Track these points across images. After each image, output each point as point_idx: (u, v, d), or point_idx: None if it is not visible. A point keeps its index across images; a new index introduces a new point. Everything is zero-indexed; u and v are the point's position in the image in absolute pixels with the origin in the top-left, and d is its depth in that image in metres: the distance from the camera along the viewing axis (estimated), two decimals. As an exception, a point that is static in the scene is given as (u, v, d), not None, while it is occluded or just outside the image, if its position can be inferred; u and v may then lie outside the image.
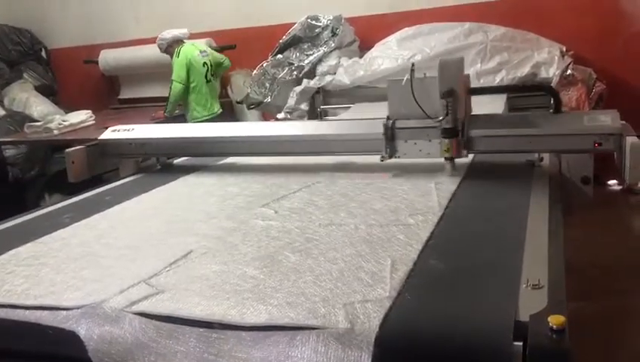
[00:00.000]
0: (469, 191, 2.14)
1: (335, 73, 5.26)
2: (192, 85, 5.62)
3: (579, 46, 5.08)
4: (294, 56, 5.53)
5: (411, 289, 1.32)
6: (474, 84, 2.49)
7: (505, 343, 1.07)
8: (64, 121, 5.86)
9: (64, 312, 1.33)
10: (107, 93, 7.46)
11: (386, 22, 5.72)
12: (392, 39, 5.28)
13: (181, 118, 5.70)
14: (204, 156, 2.94)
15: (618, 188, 5.06)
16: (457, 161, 2.31)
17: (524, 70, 4.67)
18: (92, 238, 1.87)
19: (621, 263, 3.65)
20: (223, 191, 2.35)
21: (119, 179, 2.81)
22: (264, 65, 5.52)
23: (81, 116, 6.01)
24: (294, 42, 5.59)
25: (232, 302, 1.28)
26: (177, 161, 3.05)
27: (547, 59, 4.73)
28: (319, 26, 5.59)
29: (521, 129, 2.29)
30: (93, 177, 2.82)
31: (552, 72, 4.62)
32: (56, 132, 5.70)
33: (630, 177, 1.98)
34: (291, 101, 5.25)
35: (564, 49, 4.93)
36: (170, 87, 5.61)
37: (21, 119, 6.33)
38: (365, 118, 2.74)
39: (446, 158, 2.28)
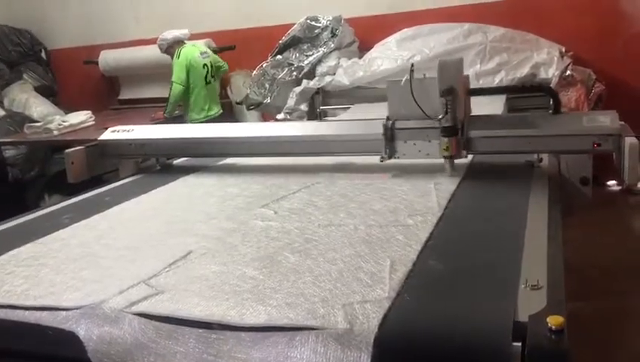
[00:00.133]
0: (468, 191, 2.14)
1: (334, 74, 5.26)
2: (191, 87, 5.62)
3: (578, 47, 5.08)
4: (294, 56, 5.53)
5: (410, 290, 1.32)
6: (473, 85, 2.49)
7: (504, 343, 1.08)
8: (64, 121, 5.86)
9: (64, 313, 1.33)
10: (107, 93, 7.46)
11: (385, 22, 5.72)
12: (391, 40, 5.28)
13: (181, 119, 5.70)
14: (203, 157, 2.95)
15: (617, 188, 5.06)
16: (456, 161, 2.31)
17: (524, 71, 4.67)
18: (92, 239, 1.87)
19: (620, 264, 3.65)
20: (222, 192, 2.35)
21: (119, 180, 2.81)
22: (264, 65, 5.52)
23: (80, 117, 6.02)
24: (294, 43, 5.59)
25: (232, 303, 1.28)
26: (177, 161, 3.05)
27: (546, 60, 4.73)
28: (319, 27, 5.59)
29: (520, 130, 2.29)
30: (93, 178, 2.82)
31: (551, 73, 4.62)
32: (55, 132, 5.70)
33: (629, 178, 1.99)
34: (291, 102, 5.25)
35: (564, 50, 4.93)
36: (170, 88, 5.61)
37: (21, 120, 6.32)
38: (365, 119, 2.75)
39: (445, 157, 2.28)
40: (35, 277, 1.56)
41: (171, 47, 5.67)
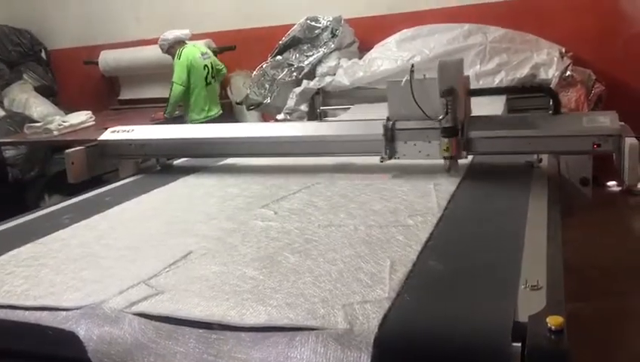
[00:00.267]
0: (468, 192, 2.15)
1: (335, 74, 5.27)
2: (192, 87, 5.62)
3: (578, 47, 5.08)
4: (294, 57, 5.53)
5: (410, 290, 1.32)
6: (473, 85, 2.49)
7: (504, 344, 1.08)
8: (64, 121, 5.86)
9: (64, 313, 1.33)
10: (107, 93, 7.46)
11: (385, 23, 5.73)
12: (391, 40, 5.28)
13: (181, 120, 5.70)
14: (203, 157, 2.95)
15: (617, 189, 5.06)
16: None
17: (524, 71, 4.67)
18: (92, 239, 1.88)
19: (620, 264, 3.65)
20: (222, 192, 2.35)
21: (119, 180, 2.81)
22: (264, 66, 5.52)
23: (81, 117, 6.02)
24: (294, 43, 5.60)
25: (232, 303, 1.28)
26: (177, 161, 3.05)
27: (546, 61, 4.73)
28: (319, 27, 5.59)
29: (520, 130, 2.29)
30: (93, 178, 2.82)
31: (551, 73, 4.62)
32: (56, 133, 5.70)
33: (629, 178, 1.99)
34: (291, 102, 5.25)
35: (564, 50, 4.93)
36: (171, 89, 5.61)
37: (21, 120, 6.33)
38: (365, 119, 2.75)
39: (445, 158, 2.28)
40: (35, 277, 1.56)
41: (172, 48, 5.68)
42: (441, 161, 2.29)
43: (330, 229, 1.78)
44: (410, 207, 1.95)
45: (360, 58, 5.41)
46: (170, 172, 2.86)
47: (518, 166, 2.38)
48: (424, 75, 2.30)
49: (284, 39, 5.58)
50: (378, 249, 1.58)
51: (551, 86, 4.33)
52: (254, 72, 5.57)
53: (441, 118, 2.21)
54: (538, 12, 5.45)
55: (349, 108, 4.78)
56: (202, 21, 6.52)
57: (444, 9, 5.68)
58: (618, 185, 5.03)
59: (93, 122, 6.06)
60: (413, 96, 2.26)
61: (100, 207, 2.26)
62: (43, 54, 7.50)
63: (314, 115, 5.25)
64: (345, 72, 5.19)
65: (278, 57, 5.55)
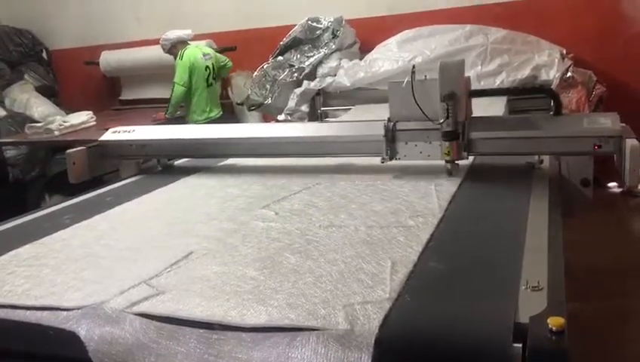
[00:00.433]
0: (469, 192, 2.15)
1: (335, 75, 5.27)
2: (193, 88, 5.62)
3: (579, 48, 5.08)
4: (295, 57, 5.53)
5: (411, 291, 1.32)
6: (474, 86, 2.49)
7: (505, 345, 1.08)
8: (65, 122, 5.87)
9: (65, 313, 1.33)
10: (108, 94, 7.46)
11: (386, 24, 5.73)
12: (392, 41, 5.29)
13: (182, 120, 5.71)
14: (204, 157, 2.95)
15: (618, 190, 5.06)
16: (457, 162, 2.31)
17: (525, 72, 4.67)
18: (92, 239, 1.88)
19: (620, 265, 3.65)
20: (223, 193, 2.35)
21: (120, 180, 2.81)
22: (265, 66, 5.52)
23: (81, 117, 6.02)
24: (295, 44, 5.60)
25: (233, 303, 1.28)
26: (178, 162, 3.06)
27: (547, 62, 4.73)
28: (320, 28, 5.59)
29: (521, 131, 2.30)
30: (93, 178, 2.82)
31: (552, 75, 4.62)
32: (56, 133, 5.71)
33: (630, 180, 1.99)
34: (292, 103, 5.26)
35: (565, 51, 4.93)
36: (172, 90, 5.61)
37: (22, 120, 6.33)
38: (366, 120, 2.75)
39: (446, 161, 2.29)
40: (37, 277, 1.56)
41: (174, 48, 5.68)
42: (442, 162, 2.29)
43: (331, 230, 1.78)
44: (411, 208, 1.95)
45: (361, 59, 5.41)
46: (171, 172, 2.86)
47: (519, 167, 2.38)
48: (425, 76, 2.30)
49: (285, 40, 5.58)
50: (379, 249, 1.58)
51: (552, 87, 4.34)
52: (255, 73, 5.57)
53: (441, 121, 2.21)
54: (539, 13, 5.45)
55: (349, 109, 4.79)
56: (203, 21, 6.52)
57: (445, 10, 5.68)
58: (619, 187, 5.03)
59: (94, 122, 6.07)
60: (414, 97, 2.26)
61: (101, 208, 2.26)
62: (44, 54, 7.50)
63: (315, 115, 5.25)
64: (346, 72, 5.19)
65: (279, 58, 5.55)
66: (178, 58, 5.60)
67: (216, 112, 5.84)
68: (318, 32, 5.59)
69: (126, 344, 1.25)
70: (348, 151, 2.58)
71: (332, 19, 5.59)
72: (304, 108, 5.26)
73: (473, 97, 2.37)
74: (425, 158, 2.34)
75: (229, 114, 6.35)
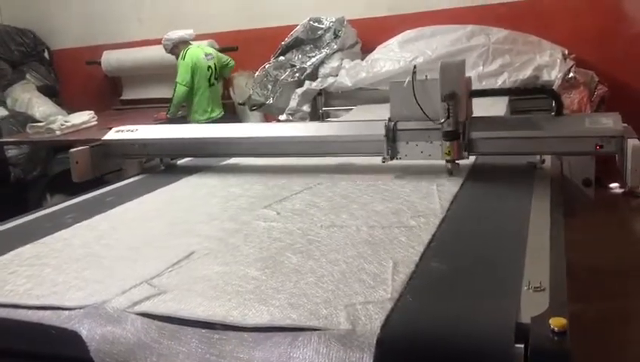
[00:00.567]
0: (470, 193, 2.15)
1: (337, 75, 5.26)
2: (195, 88, 5.62)
3: (581, 49, 5.07)
4: (296, 57, 5.53)
5: (413, 291, 1.32)
6: (475, 87, 2.50)
7: (506, 345, 1.08)
8: (66, 121, 5.87)
9: (66, 312, 1.33)
10: (109, 93, 7.47)
11: (388, 24, 5.72)
12: (393, 41, 5.28)
13: (183, 120, 5.70)
14: (206, 157, 2.95)
15: (619, 190, 5.05)
16: (459, 163, 2.31)
17: (526, 73, 4.66)
18: (94, 239, 1.88)
19: (622, 266, 3.65)
20: (225, 193, 2.35)
21: (122, 180, 2.81)
22: (266, 66, 5.52)
23: (83, 117, 6.02)
24: (296, 44, 5.59)
25: (234, 303, 1.28)
26: (180, 161, 3.06)
27: (549, 62, 4.73)
28: (321, 28, 5.59)
29: (522, 131, 2.29)
30: (95, 178, 2.82)
31: (554, 75, 4.61)
32: (58, 133, 5.71)
33: (632, 180, 1.98)
34: (293, 103, 5.25)
35: (566, 52, 4.92)
36: (174, 89, 5.62)
37: (23, 120, 6.34)
38: (367, 120, 2.75)
39: (447, 161, 2.29)
40: (38, 276, 1.56)
41: (176, 47, 5.68)
42: (443, 162, 2.29)
43: (333, 230, 1.78)
44: (412, 208, 1.95)
45: (362, 59, 5.40)
46: (173, 172, 2.87)
47: (521, 167, 2.38)
48: (426, 76, 2.30)
49: (287, 40, 5.58)
50: (381, 250, 1.57)
51: (553, 87, 4.33)
52: (257, 73, 5.56)
53: (442, 121, 2.21)
54: (540, 14, 5.44)
55: (351, 109, 4.78)
56: (204, 22, 6.52)
57: (447, 10, 5.68)
58: (621, 187, 5.02)
59: (96, 122, 6.07)
60: (415, 97, 2.27)
61: (103, 207, 2.26)
62: (46, 54, 7.51)
63: (316, 115, 5.24)
64: (347, 72, 5.19)
65: (281, 58, 5.54)
66: (180, 58, 5.60)
67: (217, 112, 5.84)
68: (319, 32, 5.58)
69: (128, 343, 1.25)
70: (349, 150, 2.58)
71: (334, 20, 5.59)
72: (306, 108, 5.25)
73: (474, 97, 2.37)
74: (426, 158, 2.34)
75: (231, 114, 6.35)
